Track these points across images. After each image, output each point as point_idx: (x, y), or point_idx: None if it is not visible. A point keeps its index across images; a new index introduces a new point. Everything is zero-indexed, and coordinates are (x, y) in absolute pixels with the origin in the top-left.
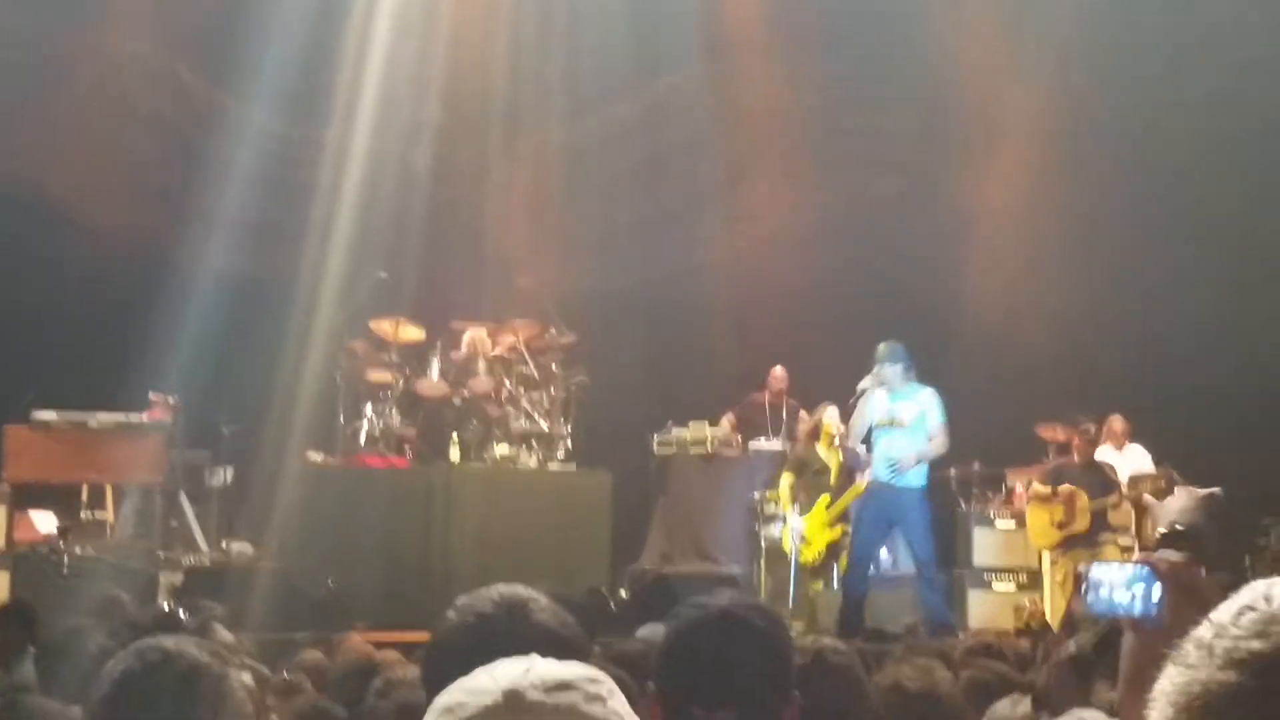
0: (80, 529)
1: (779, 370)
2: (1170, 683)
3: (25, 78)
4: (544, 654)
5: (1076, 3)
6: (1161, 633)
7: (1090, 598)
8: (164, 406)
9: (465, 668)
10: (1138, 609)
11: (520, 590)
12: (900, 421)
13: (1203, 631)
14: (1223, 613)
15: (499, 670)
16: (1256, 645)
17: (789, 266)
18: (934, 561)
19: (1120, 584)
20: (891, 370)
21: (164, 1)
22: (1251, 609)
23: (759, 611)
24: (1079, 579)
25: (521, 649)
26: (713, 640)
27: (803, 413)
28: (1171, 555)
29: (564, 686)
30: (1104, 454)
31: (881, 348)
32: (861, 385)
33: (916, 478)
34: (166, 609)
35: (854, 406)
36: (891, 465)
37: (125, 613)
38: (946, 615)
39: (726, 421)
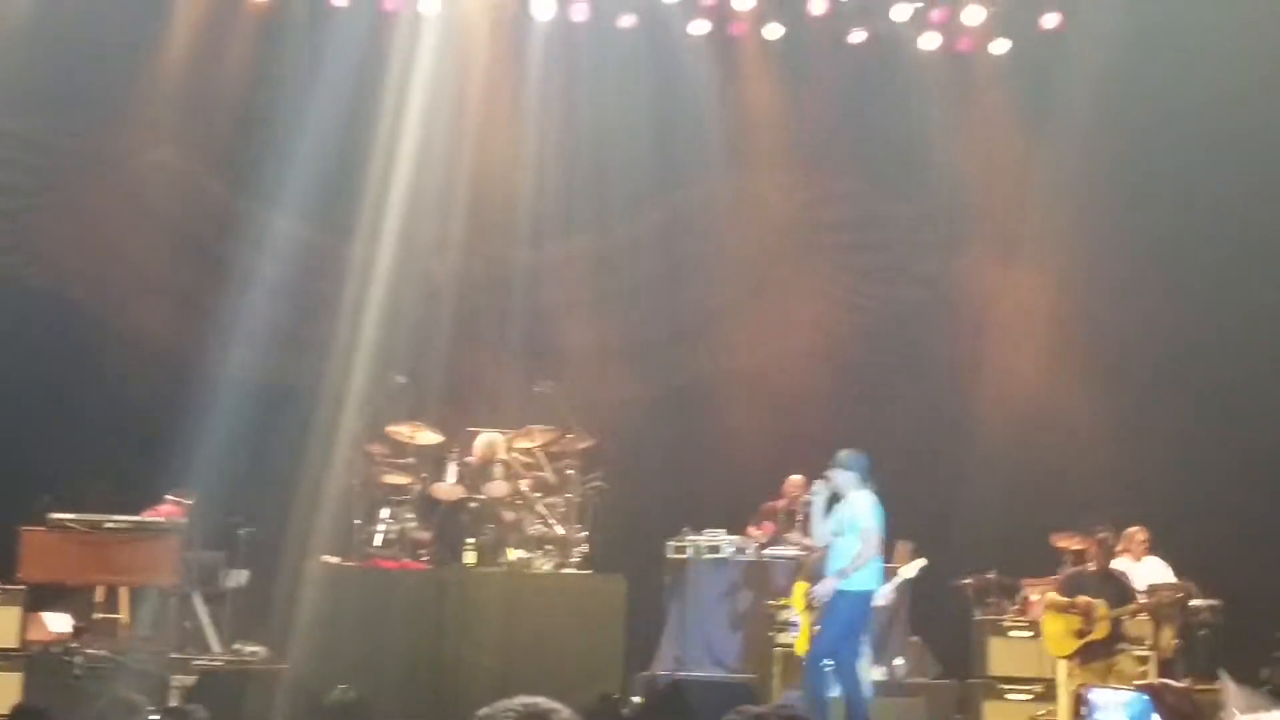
0: (94, 630)
1: (796, 478)
2: None
3: (56, 179)
4: None
5: (1095, 113)
6: None
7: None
8: (180, 507)
9: None
10: None
11: (542, 702)
12: (840, 531)
13: None
14: None
15: None
16: None
17: (809, 375)
18: (823, 654)
19: (1119, 709)
20: (844, 477)
21: (191, 110)
22: None
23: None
24: (1078, 700)
25: None
26: None
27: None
28: (1172, 682)
29: None
30: (1121, 564)
31: (841, 454)
32: (814, 489)
33: (860, 582)
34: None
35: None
36: (834, 571)
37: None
38: (817, 695)
39: (755, 532)
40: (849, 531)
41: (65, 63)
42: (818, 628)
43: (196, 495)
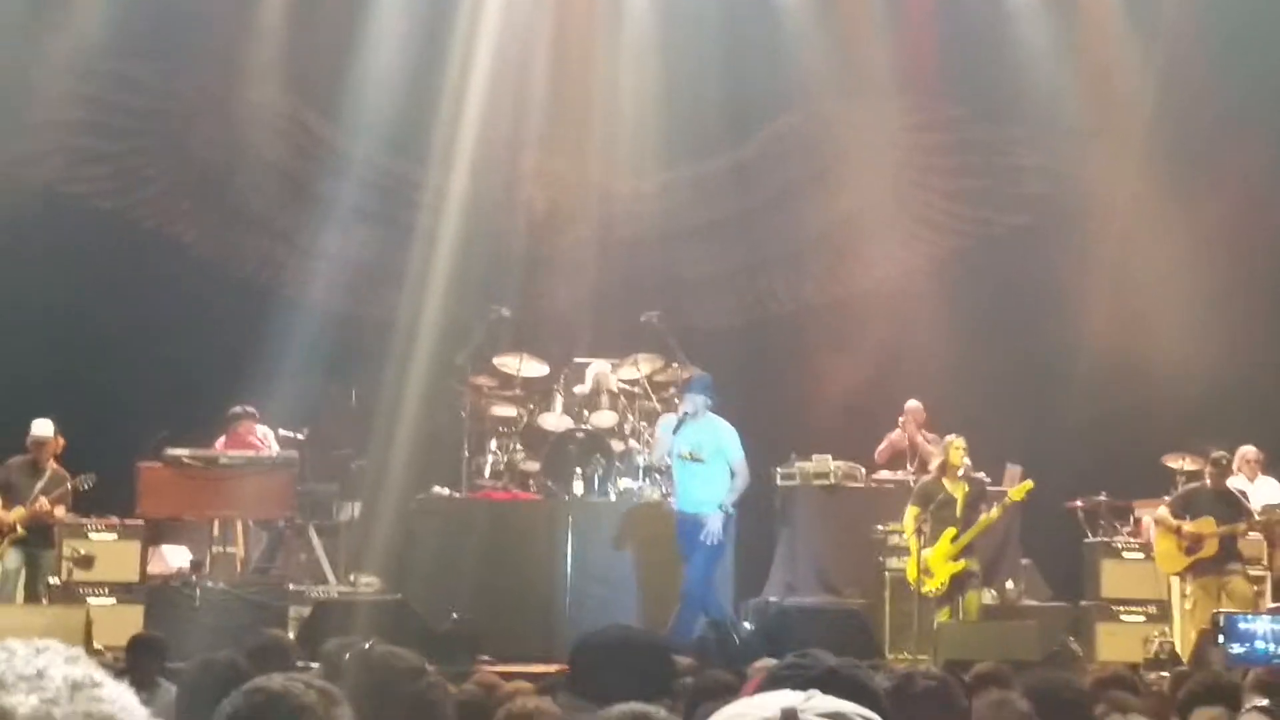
0: (212, 563)
1: (912, 404)
2: None
3: (160, 121)
4: None
5: (1200, 28)
6: None
7: (1235, 649)
8: (285, 440)
9: None
10: None
11: (639, 708)
12: (700, 457)
13: None
14: None
15: (786, 694)
16: None
17: (912, 300)
18: (701, 588)
19: (1265, 637)
20: (698, 401)
21: (291, 50)
22: None
23: (863, 671)
24: (1215, 625)
25: None
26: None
27: (926, 445)
28: None
29: (839, 716)
30: (1236, 484)
31: (692, 378)
32: (683, 410)
33: (710, 506)
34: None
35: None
36: (695, 499)
37: (288, 654)
38: (688, 637)
39: (879, 457)
40: (714, 458)
41: (165, 5)
42: (693, 554)
43: (307, 430)
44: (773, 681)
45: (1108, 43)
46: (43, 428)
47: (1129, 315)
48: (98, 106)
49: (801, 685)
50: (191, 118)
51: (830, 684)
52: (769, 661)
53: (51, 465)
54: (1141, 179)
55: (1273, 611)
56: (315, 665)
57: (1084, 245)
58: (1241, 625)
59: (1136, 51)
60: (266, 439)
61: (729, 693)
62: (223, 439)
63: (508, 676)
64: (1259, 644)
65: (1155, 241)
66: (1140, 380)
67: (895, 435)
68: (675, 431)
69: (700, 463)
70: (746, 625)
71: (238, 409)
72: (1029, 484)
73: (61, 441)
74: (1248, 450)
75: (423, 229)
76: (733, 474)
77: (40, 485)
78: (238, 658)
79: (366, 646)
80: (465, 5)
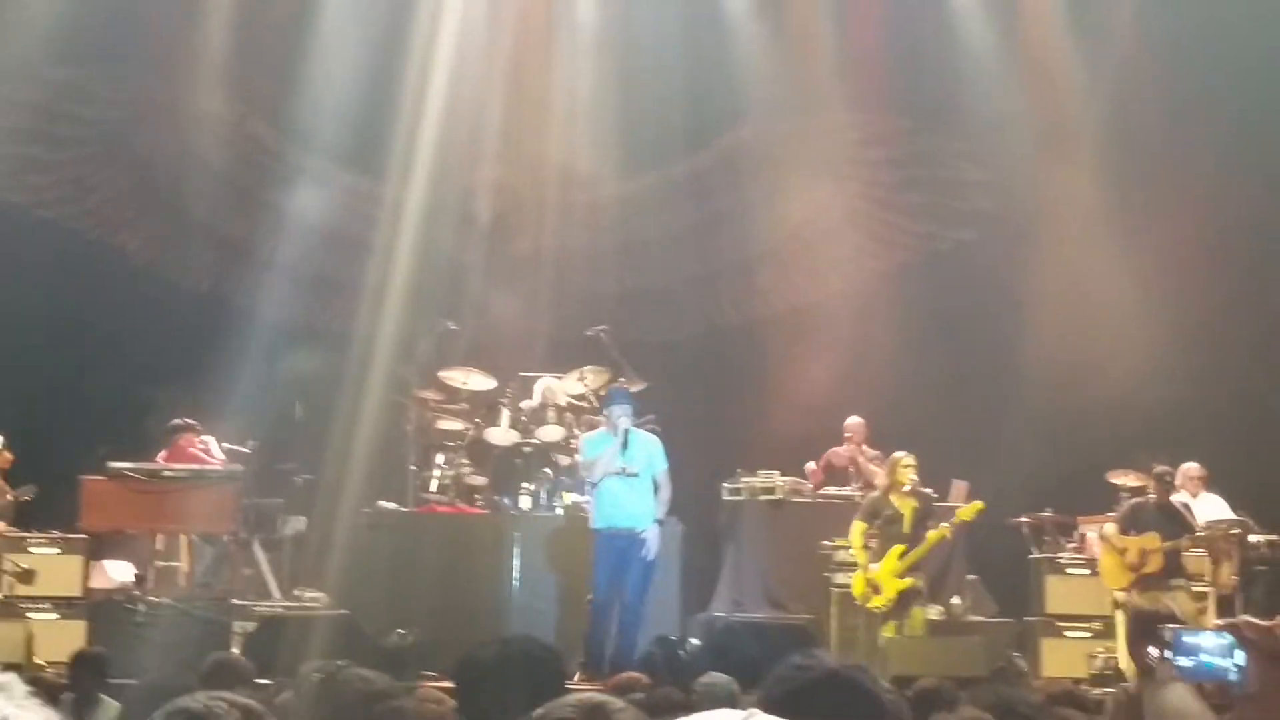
0: (155, 578)
1: (853, 421)
2: None
3: (106, 130)
4: None
5: (1142, 33)
6: (1251, 699)
7: (1180, 663)
8: (231, 454)
9: None
10: (1231, 676)
11: (597, 696)
12: (630, 470)
13: None
14: None
15: (726, 713)
16: None
17: (857, 315)
18: (639, 604)
19: (1211, 651)
20: (627, 413)
21: (238, 57)
22: None
23: (866, 674)
24: (1161, 640)
25: None
26: (827, 702)
27: (868, 463)
28: (1253, 619)
29: None
30: (1180, 500)
31: (612, 391)
32: (619, 424)
33: (647, 520)
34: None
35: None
36: (630, 514)
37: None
38: (632, 655)
39: (810, 472)
40: (645, 471)
41: (113, 11)
42: (626, 570)
43: (253, 443)
44: (775, 683)
45: (1053, 51)
46: None
47: (1074, 331)
48: (40, 114)
49: (803, 687)
50: (137, 125)
51: (832, 685)
52: (717, 677)
53: None
54: (1090, 190)
55: (1219, 627)
56: (268, 682)
57: (1030, 260)
58: (1187, 639)
59: (1083, 60)
60: (209, 448)
61: (680, 709)
62: (164, 452)
63: (453, 693)
64: (1204, 658)
65: (1102, 256)
66: (1085, 396)
67: (836, 452)
68: (612, 447)
69: (635, 476)
70: (693, 641)
71: (178, 421)
72: (979, 504)
73: (9, 456)
74: (1191, 467)
75: (373, 240)
76: (657, 486)
77: None
78: (191, 681)
79: (336, 667)
80: (420, 15)
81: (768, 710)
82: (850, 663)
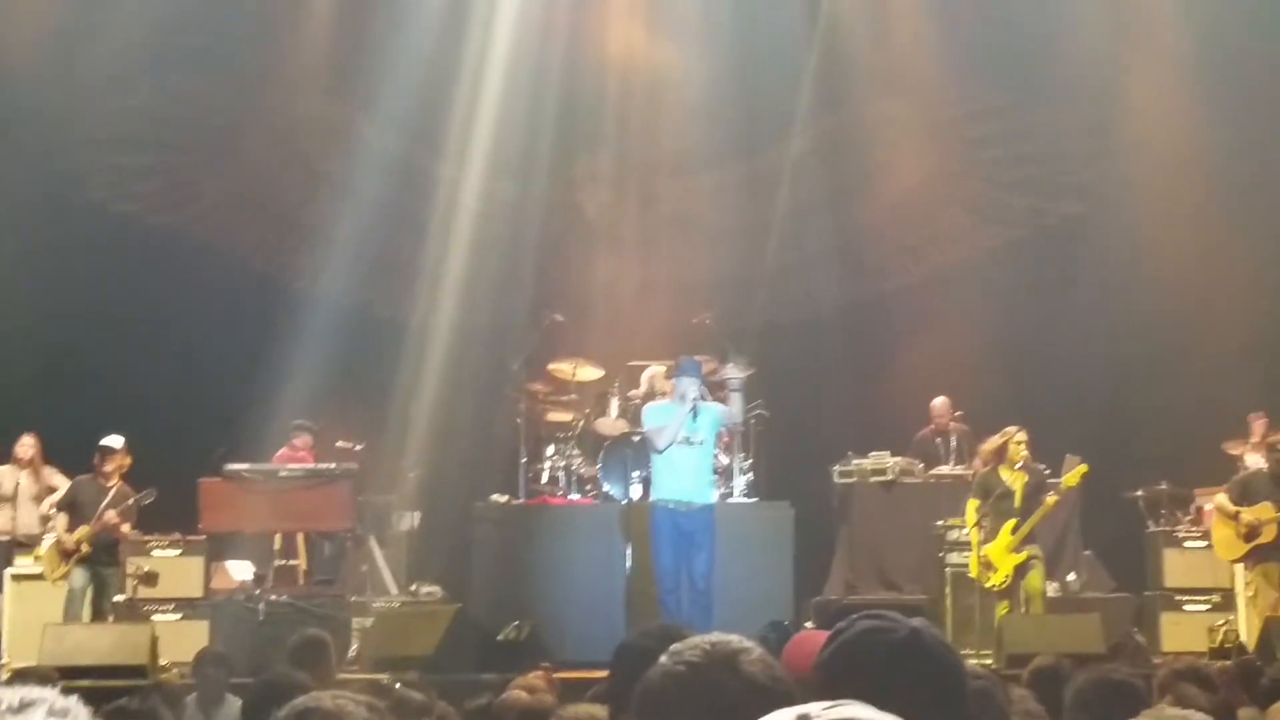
0: (274, 577)
1: (939, 402)
2: None
3: (214, 135)
4: (752, 705)
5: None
6: None
7: None
8: (344, 452)
9: (674, 716)
10: None
11: (732, 640)
12: (695, 440)
13: None
14: None
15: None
16: None
17: (963, 293)
18: (710, 587)
19: None
20: (693, 384)
21: (338, 59)
22: None
23: (945, 645)
24: None
25: (730, 700)
26: (896, 659)
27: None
28: None
29: None
30: None
31: (683, 362)
32: (692, 395)
33: (710, 495)
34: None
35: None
36: (686, 486)
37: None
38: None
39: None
40: (710, 438)
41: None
42: (702, 549)
43: (366, 441)
44: (852, 644)
45: (1159, 19)
46: (113, 442)
47: (1188, 301)
48: (145, 120)
49: (884, 648)
50: (240, 128)
51: (912, 646)
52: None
53: (117, 482)
54: (1201, 155)
55: None
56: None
57: (1139, 231)
58: None
59: (1192, 29)
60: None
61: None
62: (282, 451)
63: (569, 682)
64: None
65: (1216, 225)
66: (1200, 367)
67: (922, 434)
68: (680, 414)
69: (699, 445)
70: (807, 625)
71: (296, 422)
72: (1084, 468)
73: (129, 459)
74: None
75: (488, 236)
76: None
77: (106, 502)
78: (287, 670)
79: (384, 682)
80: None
81: (830, 681)
82: (930, 624)
